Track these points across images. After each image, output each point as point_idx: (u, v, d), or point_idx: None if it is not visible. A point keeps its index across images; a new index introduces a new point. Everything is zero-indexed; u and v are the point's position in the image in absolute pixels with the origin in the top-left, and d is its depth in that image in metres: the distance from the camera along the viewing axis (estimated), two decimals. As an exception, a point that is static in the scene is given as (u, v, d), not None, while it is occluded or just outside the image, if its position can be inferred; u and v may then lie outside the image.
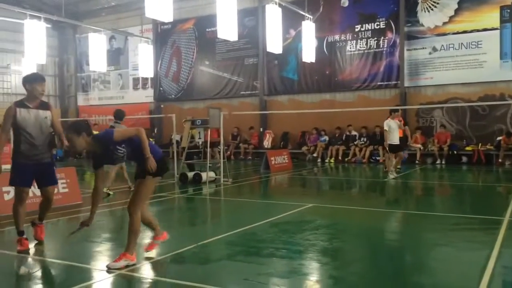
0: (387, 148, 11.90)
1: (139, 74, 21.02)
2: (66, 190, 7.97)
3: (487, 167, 14.43)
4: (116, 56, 23.82)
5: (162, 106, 22.33)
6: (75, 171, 8.49)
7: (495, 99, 15.08)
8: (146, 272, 4.36)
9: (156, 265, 4.53)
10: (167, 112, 19.65)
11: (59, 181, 7.91)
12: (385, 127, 11.70)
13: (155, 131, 21.92)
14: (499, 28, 15.27)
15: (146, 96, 23.06)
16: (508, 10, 15.16)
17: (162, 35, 22.37)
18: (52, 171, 5.33)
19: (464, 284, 3.78)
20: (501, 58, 15.27)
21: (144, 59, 19.53)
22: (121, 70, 23.88)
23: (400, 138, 11.99)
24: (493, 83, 15.41)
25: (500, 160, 14.60)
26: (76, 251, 5.02)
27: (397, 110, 12.00)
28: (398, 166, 12.53)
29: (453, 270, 4.21)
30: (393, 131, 11.57)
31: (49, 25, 17.88)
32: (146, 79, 22.42)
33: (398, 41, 16.87)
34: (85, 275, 4.21)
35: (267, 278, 4.06)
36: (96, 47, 18.04)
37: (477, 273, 3.93)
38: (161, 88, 22.55)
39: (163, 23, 20.87)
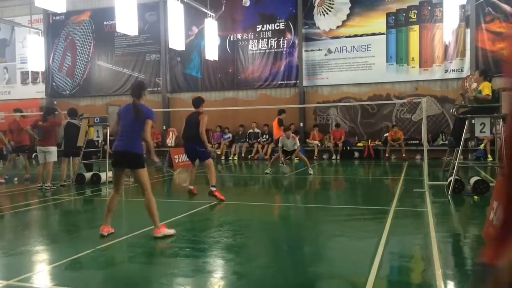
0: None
1: (28, 68, 19.34)
2: None
3: (376, 161, 15.72)
4: (1, 48, 21.76)
5: (55, 102, 20.82)
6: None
7: (382, 99, 16.47)
8: (40, 281, 4.04)
9: (51, 273, 4.23)
10: (61, 109, 18.35)
11: None
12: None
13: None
14: (385, 33, 16.67)
15: (37, 91, 21.38)
16: (393, 17, 16.60)
17: (55, 27, 20.89)
18: None
19: (357, 271, 4.08)
20: (387, 61, 16.70)
21: (33, 52, 17.99)
22: (7, 63, 21.86)
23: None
24: (380, 84, 16.79)
25: (387, 155, 15.97)
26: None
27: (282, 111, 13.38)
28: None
29: (347, 259, 4.53)
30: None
31: None
32: (37, 73, 20.78)
33: (296, 42, 17.60)
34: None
35: (171, 279, 4.01)
36: (-24, 36, 16.29)
37: (368, 260, 4.27)
38: (54, 83, 21.05)
39: (55, 14, 19.48)
